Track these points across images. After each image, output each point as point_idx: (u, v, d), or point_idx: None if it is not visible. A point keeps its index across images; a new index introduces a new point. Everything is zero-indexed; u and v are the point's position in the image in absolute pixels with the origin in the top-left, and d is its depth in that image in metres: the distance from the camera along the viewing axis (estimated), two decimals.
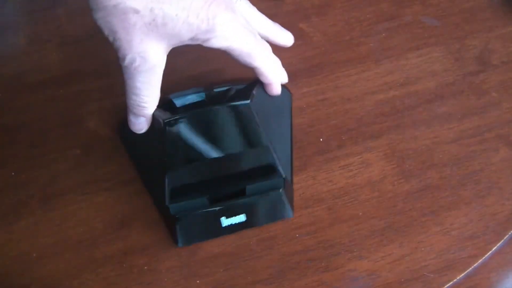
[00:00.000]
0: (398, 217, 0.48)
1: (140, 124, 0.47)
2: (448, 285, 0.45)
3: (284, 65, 0.58)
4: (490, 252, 0.47)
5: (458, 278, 0.45)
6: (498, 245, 0.47)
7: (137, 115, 0.47)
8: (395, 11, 0.62)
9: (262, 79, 0.49)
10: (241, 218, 0.46)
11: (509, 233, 0.47)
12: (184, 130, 0.46)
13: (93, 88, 0.57)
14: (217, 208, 0.46)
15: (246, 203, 0.46)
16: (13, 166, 0.52)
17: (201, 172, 0.47)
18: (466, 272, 0.46)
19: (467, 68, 0.57)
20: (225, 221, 0.46)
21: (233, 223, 0.46)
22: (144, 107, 0.46)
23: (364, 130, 0.53)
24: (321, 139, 0.53)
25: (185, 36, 0.42)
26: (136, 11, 0.40)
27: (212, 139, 0.46)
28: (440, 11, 0.62)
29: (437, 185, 0.50)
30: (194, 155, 0.46)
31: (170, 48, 0.44)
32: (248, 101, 0.46)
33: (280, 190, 0.46)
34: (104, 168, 0.52)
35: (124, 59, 0.42)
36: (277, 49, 0.60)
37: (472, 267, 0.46)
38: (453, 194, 0.49)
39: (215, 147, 0.46)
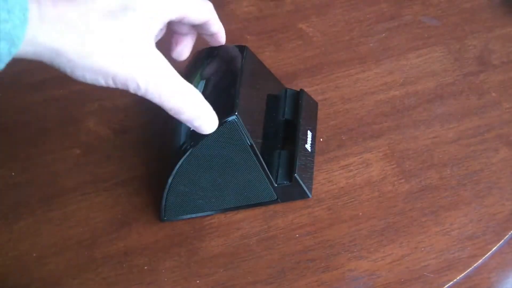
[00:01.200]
0: (398, 217, 0.48)
1: (207, 122, 0.42)
2: (448, 285, 0.45)
3: (284, 65, 0.58)
4: (490, 252, 0.47)
5: (458, 278, 0.45)
6: (498, 245, 0.47)
7: (195, 117, 0.42)
8: (395, 11, 0.62)
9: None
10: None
11: (509, 233, 0.47)
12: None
13: (93, 88, 0.57)
14: None
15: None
16: (13, 166, 0.52)
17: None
18: (466, 272, 0.46)
19: (467, 68, 0.57)
20: None
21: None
22: (190, 104, 0.41)
23: (364, 130, 0.53)
24: (321, 139, 0.53)
25: (161, 10, 0.40)
26: (104, 46, 0.36)
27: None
28: (440, 11, 0.62)
29: (437, 185, 0.50)
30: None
31: (154, 35, 0.40)
32: None
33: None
34: (104, 168, 0.52)
35: (139, 86, 0.38)
36: (276, 49, 0.60)
37: (472, 267, 0.46)
38: (453, 194, 0.49)
39: None
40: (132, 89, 0.38)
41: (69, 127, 0.55)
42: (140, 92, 0.39)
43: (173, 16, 0.42)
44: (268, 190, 0.48)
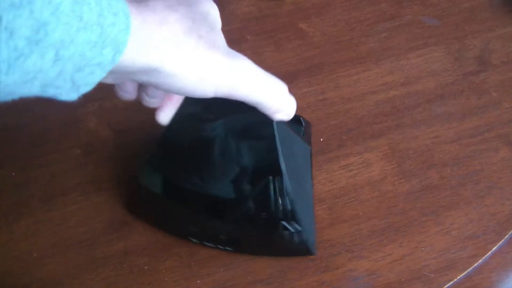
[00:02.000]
0: (399, 217, 0.48)
1: (291, 110, 0.41)
2: (448, 284, 0.45)
3: (284, 65, 0.58)
4: (490, 252, 0.47)
5: (458, 277, 0.45)
6: (498, 245, 0.47)
7: (284, 107, 0.40)
8: (395, 11, 0.62)
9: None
10: None
11: (509, 233, 0.47)
12: None
13: (93, 88, 0.57)
14: None
15: None
16: (13, 166, 0.52)
17: None
18: (466, 272, 0.46)
19: (467, 68, 0.57)
20: None
21: None
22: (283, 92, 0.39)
23: (365, 130, 0.53)
24: (321, 139, 0.53)
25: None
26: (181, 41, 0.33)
27: None
28: (440, 11, 0.62)
29: (437, 185, 0.50)
30: None
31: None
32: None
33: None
34: (104, 168, 0.52)
35: (241, 91, 0.36)
36: (276, 49, 0.60)
37: (472, 267, 0.46)
38: (453, 194, 0.49)
39: None
40: (234, 96, 0.36)
41: (69, 127, 0.55)
42: (239, 96, 0.36)
43: None
44: (306, 148, 0.49)
